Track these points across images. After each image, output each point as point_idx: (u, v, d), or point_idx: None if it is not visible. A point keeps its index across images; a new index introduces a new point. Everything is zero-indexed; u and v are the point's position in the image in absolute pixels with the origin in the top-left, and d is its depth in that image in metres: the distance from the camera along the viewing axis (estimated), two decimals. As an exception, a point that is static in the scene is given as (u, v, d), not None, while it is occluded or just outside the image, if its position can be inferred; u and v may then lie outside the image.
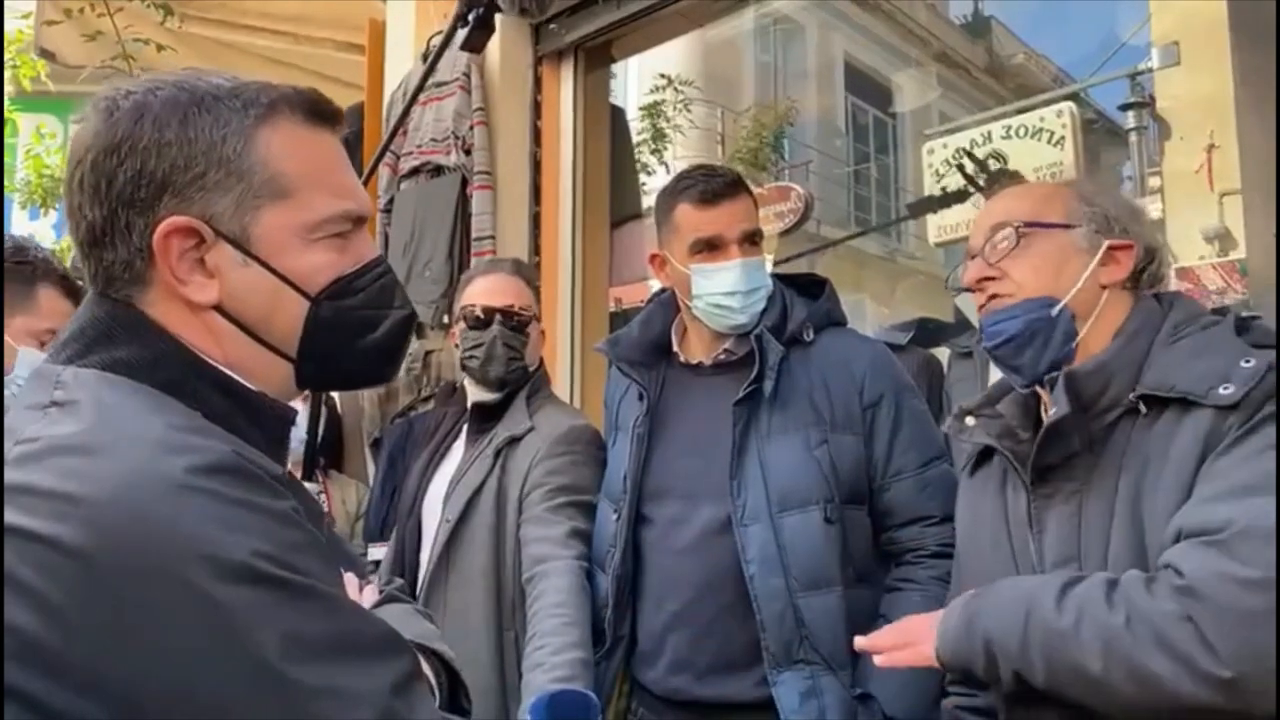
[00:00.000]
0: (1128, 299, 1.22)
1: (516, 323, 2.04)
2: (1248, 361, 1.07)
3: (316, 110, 0.86)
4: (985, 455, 1.36)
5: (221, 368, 0.81)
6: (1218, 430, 1.05)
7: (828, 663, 1.59)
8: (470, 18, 2.83)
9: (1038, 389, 1.25)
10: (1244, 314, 1.19)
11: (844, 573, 1.63)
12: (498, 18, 2.92)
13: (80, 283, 1.65)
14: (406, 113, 3.04)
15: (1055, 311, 1.19)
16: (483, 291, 2.07)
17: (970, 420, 1.32)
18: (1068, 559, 1.16)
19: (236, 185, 0.80)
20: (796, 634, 1.60)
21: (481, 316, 2.03)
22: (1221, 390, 1.06)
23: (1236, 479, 1.02)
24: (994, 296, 1.23)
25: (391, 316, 0.89)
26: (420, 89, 2.97)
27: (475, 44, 2.92)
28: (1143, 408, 1.13)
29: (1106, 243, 1.21)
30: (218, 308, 0.81)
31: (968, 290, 1.29)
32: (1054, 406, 1.15)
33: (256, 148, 0.81)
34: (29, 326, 1.58)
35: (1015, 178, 3.65)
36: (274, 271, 0.82)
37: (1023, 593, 1.11)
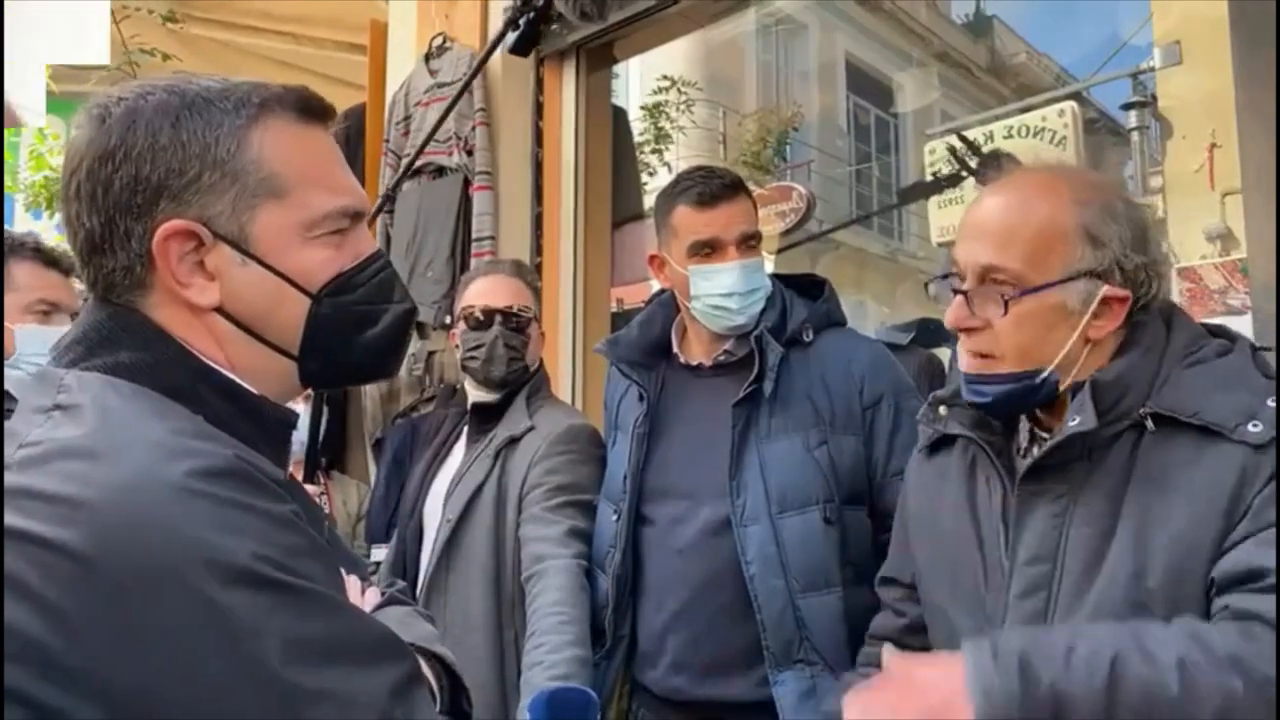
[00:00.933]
0: (1117, 335, 1.18)
1: (517, 323, 2.05)
2: (1274, 402, 1.05)
3: (307, 107, 0.86)
4: (946, 439, 1.33)
5: (224, 371, 0.82)
6: (1255, 468, 1.03)
7: (827, 663, 1.59)
8: (522, 22, 2.83)
9: None
10: (1256, 345, 1.16)
11: (843, 573, 1.63)
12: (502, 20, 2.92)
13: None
14: (443, 119, 3.02)
15: (1039, 380, 1.15)
16: (483, 292, 2.07)
17: (943, 410, 1.30)
18: (1041, 558, 1.14)
19: (232, 186, 0.80)
20: (797, 634, 1.61)
21: (482, 318, 2.04)
22: (1250, 428, 1.04)
23: None
24: (982, 356, 1.18)
25: (392, 311, 0.90)
26: (460, 95, 2.96)
27: (524, 49, 2.92)
28: (1150, 425, 1.11)
29: (1103, 292, 1.14)
30: (219, 309, 0.82)
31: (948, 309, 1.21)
32: (1078, 415, 1.11)
33: (250, 148, 0.81)
34: (16, 303, 1.59)
35: (1009, 161, 3.62)
36: (274, 270, 0.82)
37: (1090, 642, 0.98)
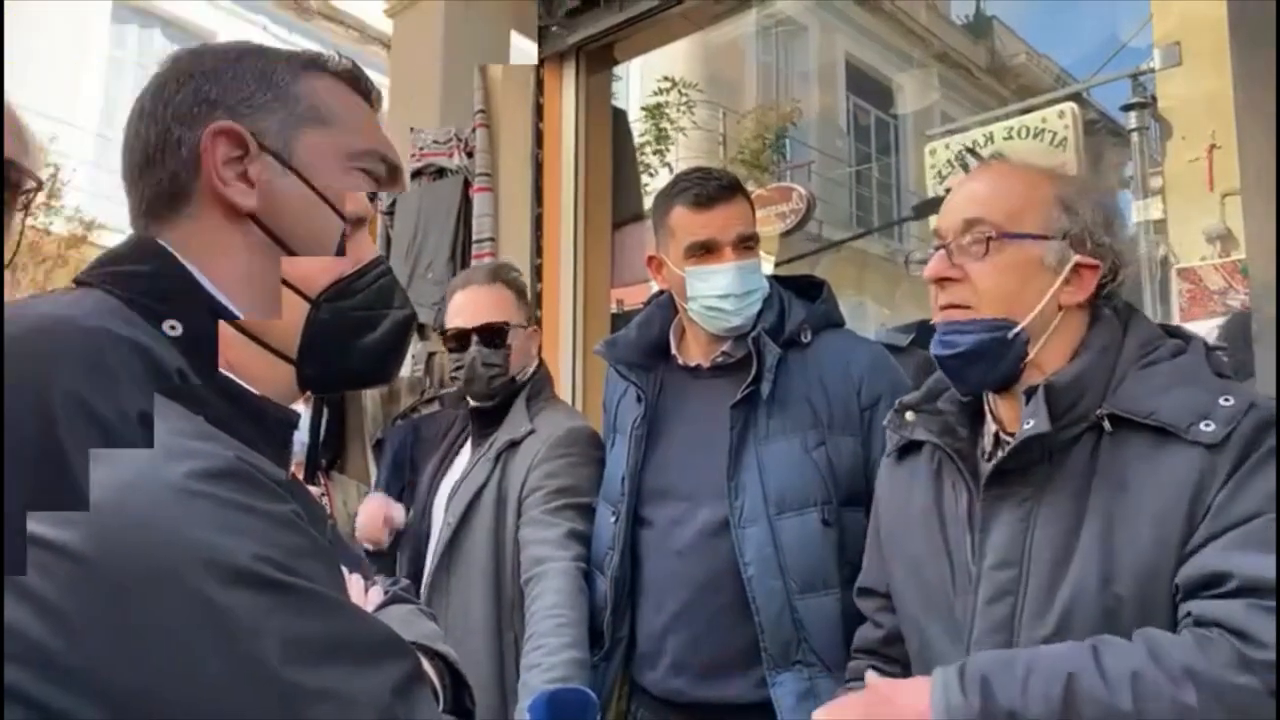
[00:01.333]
0: (1083, 316, 1.20)
1: (494, 338, 2.04)
2: (1227, 400, 1.06)
3: (357, 78, 0.91)
4: (913, 445, 1.34)
5: (224, 372, 0.82)
6: (1210, 469, 1.04)
7: (825, 664, 1.59)
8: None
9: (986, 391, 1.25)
10: (1210, 344, 1.18)
11: (841, 574, 1.63)
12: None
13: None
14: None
15: (1011, 335, 1.16)
16: (458, 311, 2.07)
17: (910, 416, 1.31)
18: (1009, 563, 1.15)
19: (281, 109, 0.85)
20: (795, 635, 1.61)
21: (458, 340, 2.05)
22: (1203, 427, 1.05)
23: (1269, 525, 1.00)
24: (953, 307, 1.20)
25: (390, 317, 0.90)
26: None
27: None
28: (1108, 426, 1.12)
29: (1075, 259, 1.17)
30: (254, 218, 0.83)
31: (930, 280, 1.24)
32: (1031, 419, 1.12)
33: (302, 82, 0.86)
34: None
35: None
36: (312, 187, 0.85)
37: (1048, 663, 1.02)
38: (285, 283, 0.84)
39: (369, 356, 0.90)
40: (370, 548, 2.18)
